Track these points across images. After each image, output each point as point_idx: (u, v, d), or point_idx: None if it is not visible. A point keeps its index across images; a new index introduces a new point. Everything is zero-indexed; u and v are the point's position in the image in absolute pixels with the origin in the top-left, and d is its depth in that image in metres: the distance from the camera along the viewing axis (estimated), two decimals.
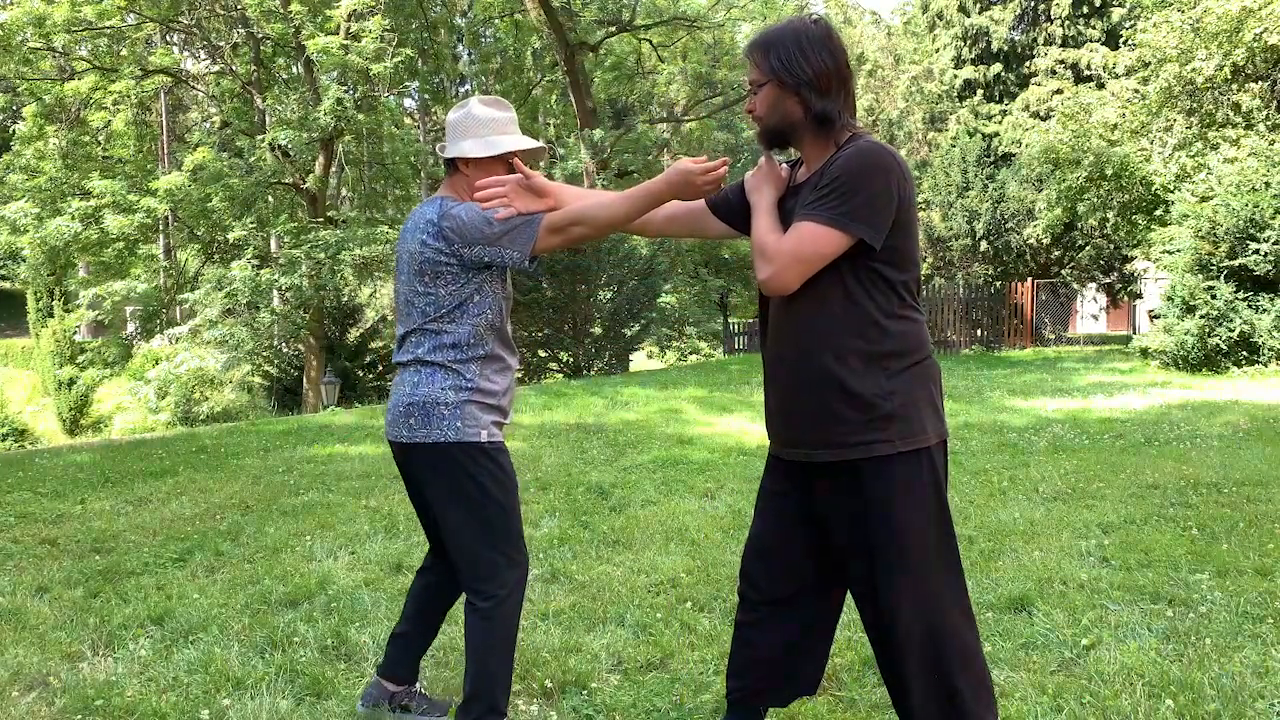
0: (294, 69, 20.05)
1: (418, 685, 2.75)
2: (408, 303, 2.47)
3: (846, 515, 2.08)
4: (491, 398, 2.46)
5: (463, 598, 2.55)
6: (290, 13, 17.54)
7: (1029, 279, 20.09)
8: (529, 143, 2.51)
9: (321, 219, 18.59)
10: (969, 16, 25.13)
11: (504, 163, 2.46)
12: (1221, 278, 11.87)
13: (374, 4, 18.20)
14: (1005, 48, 24.90)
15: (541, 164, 2.62)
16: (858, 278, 2.04)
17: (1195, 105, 14.98)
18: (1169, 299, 12.47)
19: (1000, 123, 23.22)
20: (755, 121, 2.19)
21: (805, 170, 2.20)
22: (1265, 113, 14.31)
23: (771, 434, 2.26)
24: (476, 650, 2.43)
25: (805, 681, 2.38)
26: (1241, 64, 13.79)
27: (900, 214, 2.03)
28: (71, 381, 24.02)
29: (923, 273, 22.13)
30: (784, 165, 2.31)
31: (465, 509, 2.43)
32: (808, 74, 2.08)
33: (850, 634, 3.19)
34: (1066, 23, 23.94)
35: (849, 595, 2.24)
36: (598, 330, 16.63)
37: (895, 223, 2.02)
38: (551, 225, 2.34)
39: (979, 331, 19.91)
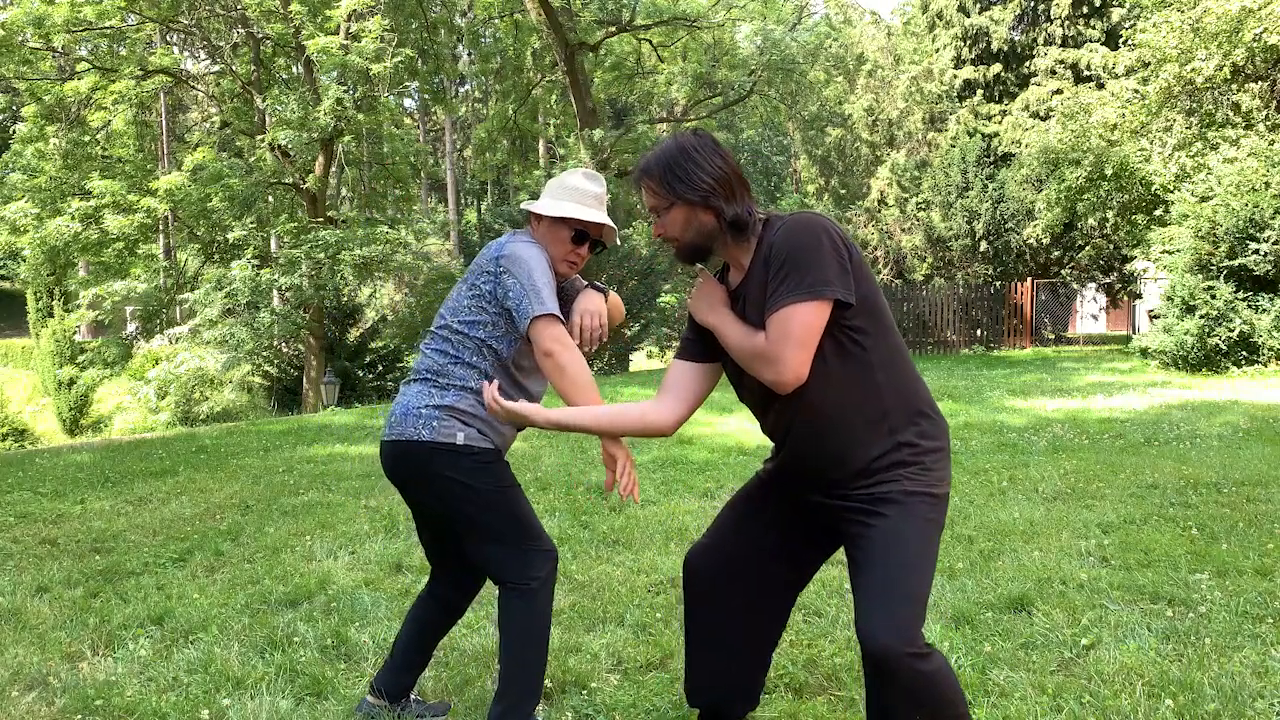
0: (294, 69, 20.05)
1: (413, 694, 2.76)
2: (448, 310, 2.54)
3: (856, 534, 2.07)
4: (477, 417, 2.47)
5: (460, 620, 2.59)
6: (290, 13, 17.53)
7: (1029, 279, 20.08)
8: (594, 216, 2.51)
9: (321, 219, 18.59)
10: (969, 16, 25.10)
11: (568, 227, 2.51)
12: (1221, 278, 11.86)
13: (374, 4, 18.20)
14: (1005, 48, 24.87)
15: (615, 243, 2.70)
16: (842, 343, 2.03)
17: (1195, 105, 14.98)
18: (1169, 299, 12.46)
19: (1000, 123, 23.18)
20: (669, 243, 2.17)
21: (736, 273, 2.18)
22: (1265, 113, 14.31)
23: (793, 485, 2.23)
24: (514, 639, 2.45)
25: (756, 693, 2.45)
26: (1241, 64, 13.79)
27: (852, 263, 2.03)
28: (71, 381, 24.02)
29: (922, 273, 21.96)
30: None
31: (470, 512, 2.47)
32: (710, 184, 2.08)
33: (850, 634, 3.19)
34: (1066, 23, 23.91)
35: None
36: None
37: (853, 273, 2.02)
38: (548, 331, 2.36)
39: (979, 331, 19.91)
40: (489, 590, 3.80)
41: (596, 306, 2.54)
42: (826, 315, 1.99)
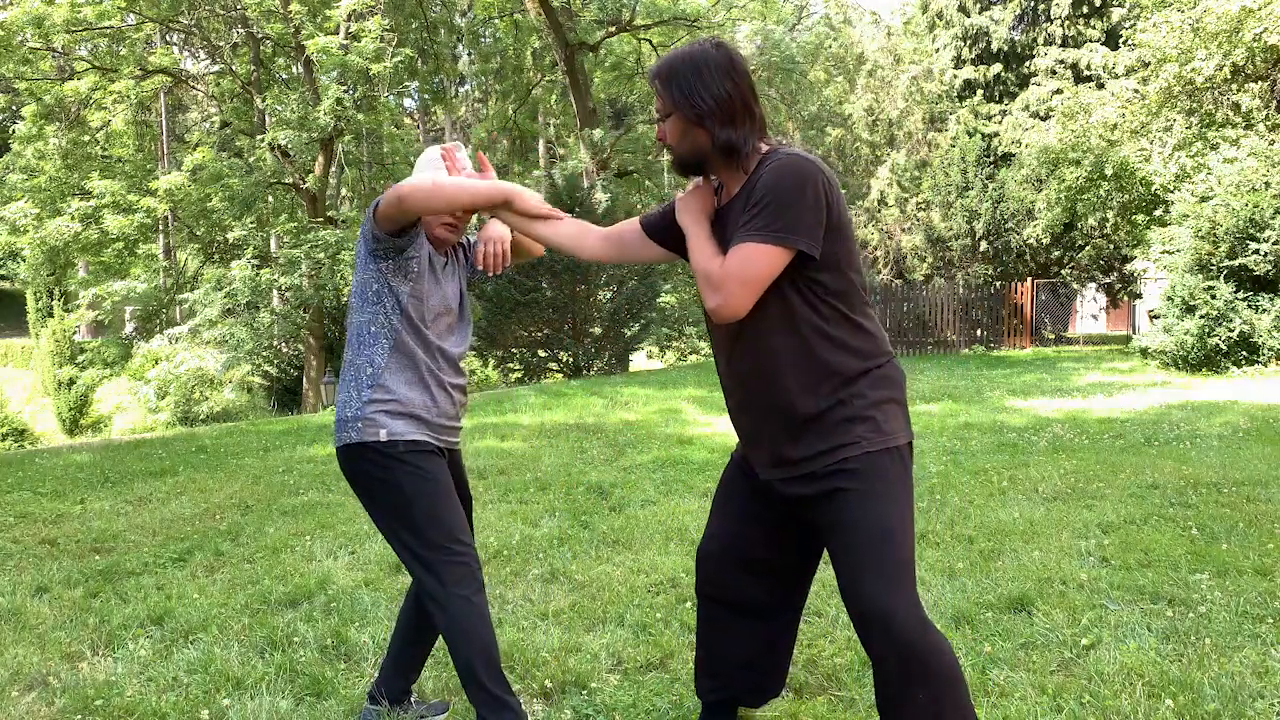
0: (294, 69, 20.06)
1: (412, 696, 2.75)
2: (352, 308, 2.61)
3: (829, 520, 2.07)
4: (400, 405, 2.45)
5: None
6: (290, 13, 17.54)
7: (1029, 279, 20.07)
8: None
9: (321, 219, 18.60)
10: (969, 16, 25.10)
11: None
12: (1221, 278, 11.86)
13: (374, 4, 18.21)
14: (1005, 48, 24.87)
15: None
16: (800, 291, 2.04)
17: (1195, 105, 14.97)
18: (1169, 299, 12.46)
19: (1000, 123, 23.18)
20: (667, 150, 2.17)
21: (726, 194, 2.18)
22: (1265, 113, 14.30)
23: (748, 454, 2.26)
24: (450, 644, 2.44)
25: (777, 682, 2.45)
26: (1241, 64, 13.78)
27: (831, 219, 2.01)
28: (71, 381, 24.04)
29: (922, 273, 21.90)
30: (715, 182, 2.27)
31: (382, 511, 2.47)
32: (709, 105, 2.05)
33: (850, 634, 3.19)
34: (1066, 23, 23.91)
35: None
36: (597, 330, 16.61)
37: (828, 228, 2.01)
38: (391, 193, 2.35)
39: (979, 331, 19.90)
40: (488, 591, 3.81)
41: (501, 234, 2.57)
42: (784, 263, 1.99)
